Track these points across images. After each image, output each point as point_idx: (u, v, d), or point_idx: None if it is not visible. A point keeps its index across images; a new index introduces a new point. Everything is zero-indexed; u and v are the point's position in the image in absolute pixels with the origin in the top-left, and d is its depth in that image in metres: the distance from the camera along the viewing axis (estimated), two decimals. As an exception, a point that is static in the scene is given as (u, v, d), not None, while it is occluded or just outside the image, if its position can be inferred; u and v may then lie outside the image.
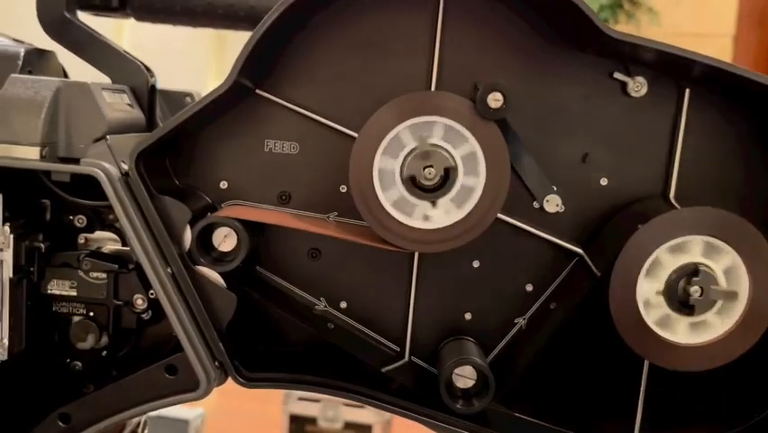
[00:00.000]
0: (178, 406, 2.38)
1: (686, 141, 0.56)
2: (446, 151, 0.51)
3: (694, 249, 0.51)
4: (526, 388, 0.59)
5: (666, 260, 0.51)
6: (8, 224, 0.51)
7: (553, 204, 0.57)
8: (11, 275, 0.52)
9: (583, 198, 0.57)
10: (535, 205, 0.57)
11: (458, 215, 0.52)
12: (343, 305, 0.59)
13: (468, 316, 0.59)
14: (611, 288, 0.50)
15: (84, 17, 0.61)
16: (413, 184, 0.51)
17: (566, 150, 0.57)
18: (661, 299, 0.51)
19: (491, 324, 0.59)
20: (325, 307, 0.59)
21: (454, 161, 0.51)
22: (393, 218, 0.52)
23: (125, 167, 0.50)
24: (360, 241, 0.54)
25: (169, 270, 0.51)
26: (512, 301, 0.59)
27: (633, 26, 3.98)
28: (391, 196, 0.52)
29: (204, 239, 0.53)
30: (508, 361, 0.58)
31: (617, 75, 0.56)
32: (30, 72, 0.53)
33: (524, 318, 0.59)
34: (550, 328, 0.56)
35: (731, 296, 0.50)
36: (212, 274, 0.53)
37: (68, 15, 0.57)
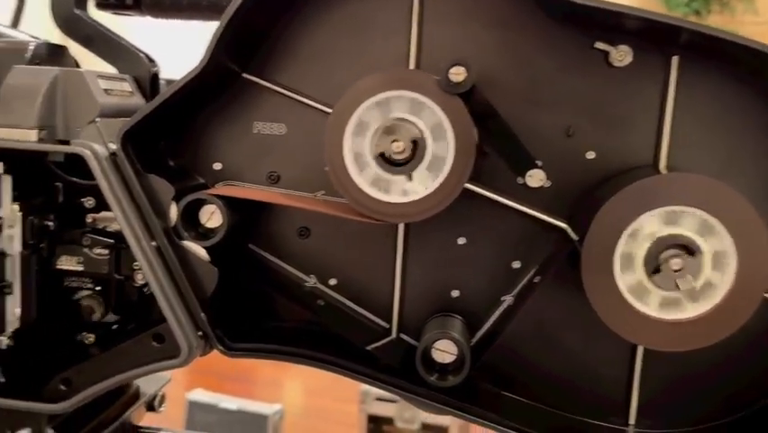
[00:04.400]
0: (258, 402, 2.46)
1: (676, 109, 0.54)
2: (412, 123, 0.51)
3: (687, 223, 0.48)
4: (521, 373, 0.59)
5: (651, 227, 0.48)
6: (17, 203, 0.56)
7: (536, 179, 0.56)
8: (20, 249, 0.57)
9: (569, 173, 0.56)
10: (519, 180, 0.57)
11: (433, 184, 0.52)
12: (333, 282, 0.61)
13: (455, 293, 0.59)
14: (584, 251, 0.49)
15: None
16: (385, 161, 0.52)
17: (550, 124, 0.56)
18: (639, 264, 0.49)
19: (479, 301, 0.59)
20: (315, 284, 0.61)
21: (420, 132, 0.51)
22: (371, 197, 0.53)
23: (114, 147, 0.54)
24: (344, 216, 0.55)
25: (153, 243, 0.54)
26: (499, 278, 0.58)
27: (727, 15, 3.76)
28: (367, 175, 0.53)
29: (190, 216, 0.56)
30: (495, 339, 0.58)
31: (599, 44, 0.54)
32: (38, 65, 0.58)
33: (511, 296, 0.58)
34: (532, 302, 0.55)
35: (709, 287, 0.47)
36: (197, 249, 0.56)
37: (77, 12, 0.62)
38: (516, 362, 0.59)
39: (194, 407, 2.23)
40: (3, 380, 0.57)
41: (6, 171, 0.55)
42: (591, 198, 0.54)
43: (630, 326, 0.49)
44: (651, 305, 0.48)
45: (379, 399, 2.72)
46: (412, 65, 0.57)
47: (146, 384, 0.70)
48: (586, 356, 0.57)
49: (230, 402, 2.42)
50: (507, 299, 0.58)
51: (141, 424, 0.69)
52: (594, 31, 0.54)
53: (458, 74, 0.50)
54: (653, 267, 0.48)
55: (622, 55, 0.54)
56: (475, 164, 0.53)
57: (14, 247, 0.56)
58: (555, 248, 0.55)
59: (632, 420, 0.56)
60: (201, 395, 2.39)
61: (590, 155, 0.55)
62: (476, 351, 0.57)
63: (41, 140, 0.53)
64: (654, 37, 0.53)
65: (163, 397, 0.72)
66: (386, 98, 0.51)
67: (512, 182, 0.57)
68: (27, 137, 0.53)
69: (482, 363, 0.57)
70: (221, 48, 0.53)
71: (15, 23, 0.74)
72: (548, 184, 0.56)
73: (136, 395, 0.68)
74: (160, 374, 0.71)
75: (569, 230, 0.55)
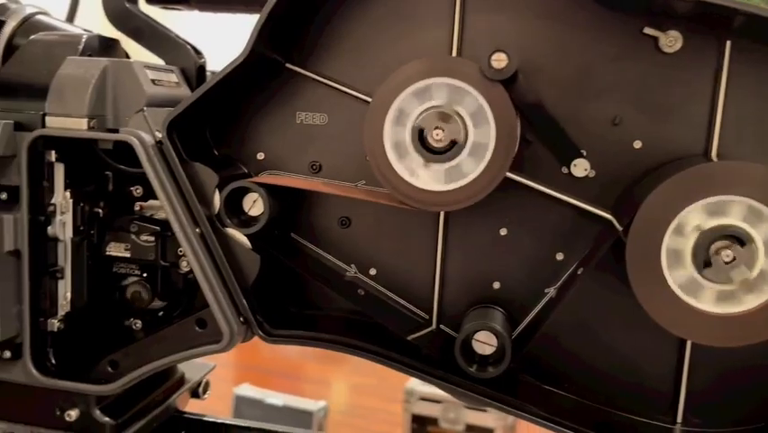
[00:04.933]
0: (303, 399, 2.48)
1: (728, 96, 0.52)
2: (460, 119, 0.50)
3: (734, 211, 0.46)
4: (564, 367, 0.58)
5: (698, 218, 0.47)
6: (69, 190, 0.58)
7: (581, 168, 0.55)
8: (71, 235, 0.58)
9: (615, 162, 0.54)
10: (564, 170, 0.55)
11: (475, 171, 0.51)
12: (373, 272, 0.61)
13: (496, 285, 0.58)
14: (628, 244, 0.47)
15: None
16: (422, 144, 0.52)
17: (596, 112, 0.55)
18: (688, 260, 0.47)
19: (520, 293, 0.58)
20: (355, 273, 0.61)
21: (465, 132, 0.50)
22: (410, 185, 0.53)
23: (161, 135, 0.55)
24: (386, 203, 0.55)
25: (197, 230, 0.55)
26: (542, 270, 0.57)
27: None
28: (407, 163, 0.53)
29: (233, 204, 0.57)
30: (537, 331, 0.57)
31: (648, 30, 0.53)
32: (90, 56, 0.59)
33: (554, 288, 0.57)
34: (575, 294, 0.54)
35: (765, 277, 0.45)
36: (240, 237, 0.57)
37: (128, 6, 0.64)
38: (558, 355, 0.57)
39: (240, 401, 2.27)
40: (54, 362, 0.58)
41: (59, 159, 0.57)
42: (637, 188, 0.52)
43: (684, 323, 0.47)
44: (705, 300, 0.46)
45: (424, 398, 2.71)
46: (454, 54, 0.56)
47: (191, 371, 0.72)
48: (631, 351, 0.56)
49: (276, 398, 2.45)
50: (550, 291, 0.57)
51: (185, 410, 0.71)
52: (643, 16, 0.52)
53: (500, 60, 0.49)
54: (704, 261, 0.46)
55: (672, 41, 0.52)
56: (517, 153, 0.52)
57: (66, 233, 0.58)
58: (600, 239, 0.54)
59: (679, 418, 0.55)
60: (248, 390, 2.43)
61: (637, 144, 0.54)
62: (517, 343, 0.56)
63: (91, 128, 0.55)
64: (706, 21, 0.51)
65: (207, 384, 0.73)
66: (426, 86, 0.51)
67: (556, 172, 0.56)
68: (78, 125, 0.55)
69: (523, 355, 0.56)
70: (263, 38, 0.53)
71: (71, 18, 0.76)
72: (593, 174, 0.55)
73: (181, 381, 0.70)
74: (204, 362, 0.73)
75: (614, 221, 0.53)
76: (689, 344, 0.54)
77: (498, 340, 0.54)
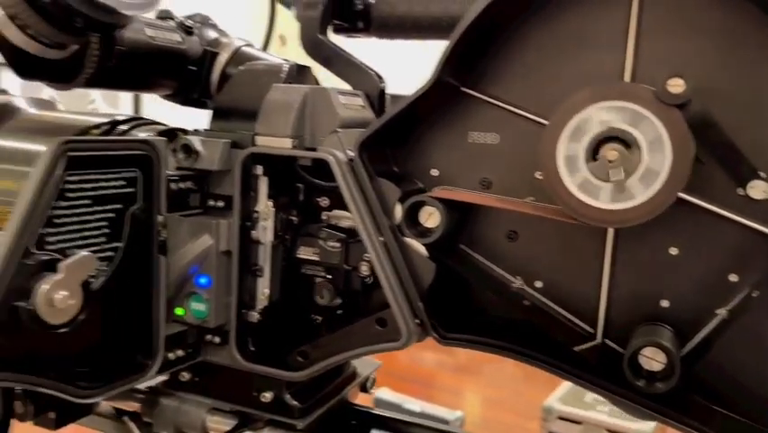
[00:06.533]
0: (438, 406, 2.53)
1: None
2: (635, 141, 0.53)
3: None
4: (735, 390, 0.57)
5: None
6: (271, 200, 0.67)
7: (759, 190, 0.55)
8: (272, 239, 0.67)
9: None
10: (740, 192, 0.56)
11: (647, 193, 0.53)
12: (539, 284, 0.64)
13: (665, 303, 0.59)
14: None
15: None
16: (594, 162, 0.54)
17: None
18: None
19: (690, 313, 0.58)
20: (521, 285, 0.64)
21: (640, 153, 0.53)
22: (582, 202, 0.56)
23: (351, 154, 0.62)
24: (555, 217, 0.58)
25: (381, 238, 0.61)
26: (713, 291, 0.57)
27: None
28: (577, 180, 0.56)
29: (412, 216, 0.63)
30: (707, 351, 0.57)
31: (836, 49, 0.52)
32: (290, 82, 0.68)
33: (726, 309, 0.57)
34: (749, 317, 0.54)
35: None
36: (417, 246, 0.62)
37: (320, 37, 0.72)
38: (729, 378, 0.57)
39: (380, 404, 2.36)
40: (253, 349, 0.67)
41: (263, 173, 0.66)
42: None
43: None
44: None
45: (562, 417, 2.66)
46: (627, 78, 0.58)
47: (360, 367, 0.78)
48: (809, 377, 0.55)
49: (413, 404, 2.51)
50: (722, 313, 0.57)
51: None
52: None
53: (677, 86, 0.51)
54: None
55: None
56: (690, 173, 0.53)
57: (267, 237, 0.67)
58: (778, 263, 0.54)
59: None
60: (387, 394, 2.52)
61: (822, 167, 0.53)
62: (685, 362, 0.57)
63: (294, 147, 0.63)
64: None
65: (374, 380, 0.80)
66: (603, 108, 0.53)
67: (730, 193, 0.56)
68: (283, 144, 0.63)
69: (692, 376, 0.57)
70: (448, 66, 0.58)
71: (265, 47, 0.87)
72: (771, 196, 0.55)
73: (353, 376, 0.77)
74: (372, 360, 0.79)
75: (794, 244, 0.53)
76: None
77: (666, 357, 0.55)
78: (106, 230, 0.58)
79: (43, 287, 0.51)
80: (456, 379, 3.54)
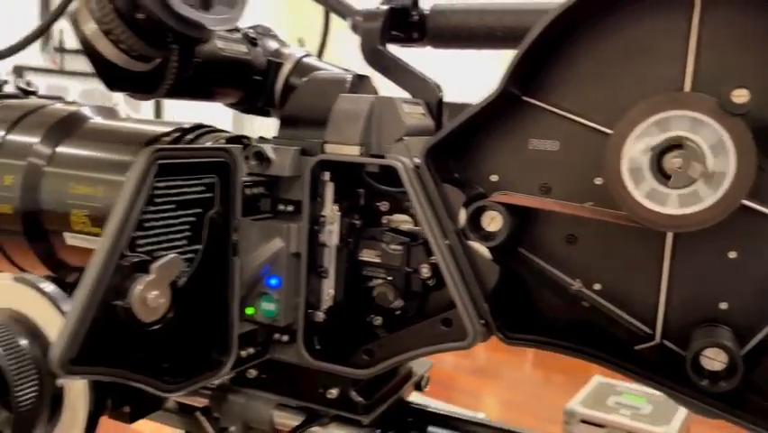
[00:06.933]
0: (462, 408, 2.57)
1: None
2: (699, 149, 0.55)
3: None
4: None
5: None
6: (337, 204, 0.69)
7: (820, 198, 0.57)
8: (336, 242, 0.70)
9: None
10: (799, 198, 0.58)
11: (711, 199, 0.55)
12: (597, 287, 0.66)
13: (723, 306, 0.61)
14: None
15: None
16: (658, 169, 0.56)
17: None
18: None
19: (749, 315, 0.60)
20: (580, 288, 0.67)
21: (704, 161, 0.55)
22: (648, 209, 0.58)
23: (417, 161, 0.65)
24: (616, 221, 0.60)
25: (446, 242, 0.64)
26: (773, 294, 0.59)
27: None
28: (643, 189, 0.58)
29: (475, 220, 0.65)
30: (765, 353, 0.59)
31: None
32: (354, 92, 0.71)
33: (785, 312, 0.59)
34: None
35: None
36: (480, 249, 0.65)
37: (380, 48, 0.75)
38: (786, 379, 0.59)
39: (404, 405, 2.37)
40: (319, 347, 0.70)
41: (330, 179, 0.68)
42: None
43: None
44: None
45: (585, 421, 2.66)
46: (688, 89, 0.60)
47: (415, 366, 0.81)
48: None
49: (436, 406, 2.52)
50: (781, 315, 0.59)
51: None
52: None
53: (741, 96, 0.53)
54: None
55: None
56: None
57: (332, 240, 0.69)
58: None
59: None
60: (411, 396, 2.53)
61: None
62: (744, 363, 0.59)
63: (361, 154, 0.66)
64: None
65: (428, 379, 0.82)
66: (667, 117, 0.56)
67: (789, 199, 0.58)
68: (352, 152, 0.66)
69: (749, 377, 0.59)
70: (513, 76, 0.61)
71: (320, 54, 0.90)
72: (832, 203, 0.57)
73: (409, 375, 0.79)
74: (426, 359, 0.82)
75: None
76: None
77: (728, 357, 0.57)
78: (188, 233, 0.61)
79: (138, 287, 0.54)
80: (475, 381, 3.55)
